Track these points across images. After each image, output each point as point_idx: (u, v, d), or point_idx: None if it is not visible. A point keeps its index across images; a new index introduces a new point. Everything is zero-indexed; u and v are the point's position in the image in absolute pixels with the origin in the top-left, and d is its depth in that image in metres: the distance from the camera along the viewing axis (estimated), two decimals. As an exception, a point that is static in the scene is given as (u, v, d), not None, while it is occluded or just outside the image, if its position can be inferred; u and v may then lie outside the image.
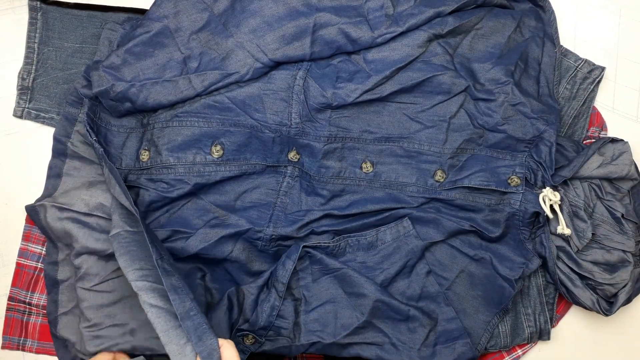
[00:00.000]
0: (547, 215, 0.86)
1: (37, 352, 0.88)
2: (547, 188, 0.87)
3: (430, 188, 0.89)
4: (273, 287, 0.84)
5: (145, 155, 0.86)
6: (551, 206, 0.87)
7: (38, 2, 0.91)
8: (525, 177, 0.88)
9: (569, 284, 0.88)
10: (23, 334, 0.89)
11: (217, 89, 0.85)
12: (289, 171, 0.88)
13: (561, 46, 0.94)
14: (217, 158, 0.86)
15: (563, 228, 0.86)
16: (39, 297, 0.88)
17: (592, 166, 0.87)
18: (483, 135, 0.89)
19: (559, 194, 0.87)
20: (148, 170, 0.86)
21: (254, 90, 0.86)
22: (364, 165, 0.89)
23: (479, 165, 0.89)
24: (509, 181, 0.88)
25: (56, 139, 0.88)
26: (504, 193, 0.88)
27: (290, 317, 0.85)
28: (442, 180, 0.89)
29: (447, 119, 0.88)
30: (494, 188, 0.88)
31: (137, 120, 0.87)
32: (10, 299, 0.89)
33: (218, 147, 0.86)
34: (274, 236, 0.87)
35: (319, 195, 0.88)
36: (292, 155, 0.88)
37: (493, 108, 0.87)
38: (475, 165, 0.89)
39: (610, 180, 0.88)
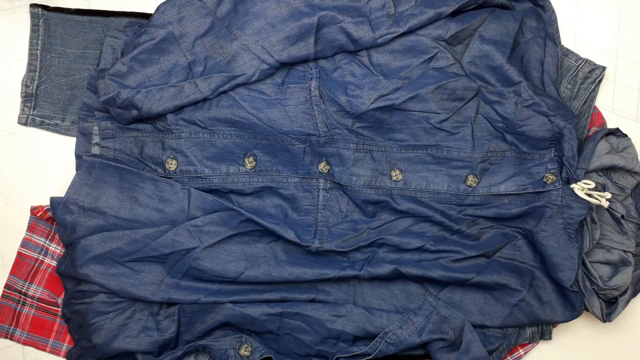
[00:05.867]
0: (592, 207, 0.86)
1: (25, 343, 0.88)
2: (581, 181, 0.86)
3: (462, 194, 0.88)
4: None
5: (172, 164, 0.86)
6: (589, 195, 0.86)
7: (39, 9, 0.91)
8: (559, 172, 0.87)
9: (581, 286, 0.88)
10: (14, 323, 0.88)
11: (224, 92, 0.85)
12: (321, 184, 0.88)
13: (562, 46, 0.94)
14: (250, 169, 0.87)
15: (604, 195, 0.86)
16: (36, 289, 0.88)
17: (602, 151, 0.87)
18: (505, 137, 0.88)
19: (590, 180, 0.86)
20: (177, 179, 0.86)
21: (276, 111, 0.86)
22: (392, 173, 0.88)
23: (511, 168, 0.88)
24: (545, 179, 0.87)
25: (77, 156, 0.88)
26: (541, 192, 0.87)
27: None
28: (474, 184, 0.88)
29: (470, 124, 0.88)
30: (532, 191, 0.87)
31: (151, 125, 0.87)
32: (6, 286, 0.89)
33: (251, 159, 0.87)
34: (320, 249, 0.87)
35: (356, 205, 0.89)
36: (323, 167, 0.88)
37: (508, 110, 0.87)
38: (508, 169, 0.88)
39: (616, 172, 0.88)
